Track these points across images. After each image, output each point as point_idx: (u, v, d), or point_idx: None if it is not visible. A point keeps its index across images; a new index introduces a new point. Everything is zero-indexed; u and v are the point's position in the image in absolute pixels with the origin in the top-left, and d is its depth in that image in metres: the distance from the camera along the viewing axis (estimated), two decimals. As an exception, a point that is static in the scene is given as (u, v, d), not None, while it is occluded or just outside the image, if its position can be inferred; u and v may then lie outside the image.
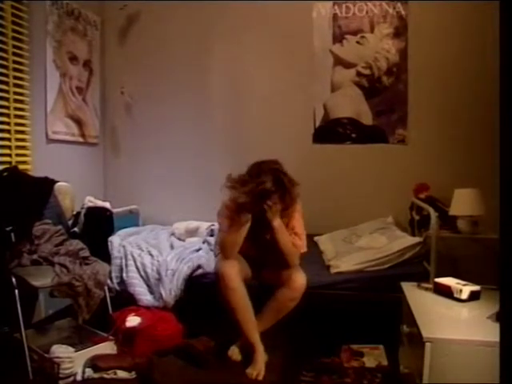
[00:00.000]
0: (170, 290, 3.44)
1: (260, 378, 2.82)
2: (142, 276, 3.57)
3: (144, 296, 3.49)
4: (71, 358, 2.76)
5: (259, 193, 2.83)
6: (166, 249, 3.81)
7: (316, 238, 4.03)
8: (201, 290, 3.38)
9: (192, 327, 3.23)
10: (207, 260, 3.54)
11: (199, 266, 3.52)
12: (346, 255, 3.57)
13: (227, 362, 2.99)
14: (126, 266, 3.60)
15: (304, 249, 3.13)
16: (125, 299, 3.45)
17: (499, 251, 1.80)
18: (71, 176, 3.88)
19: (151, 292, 3.52)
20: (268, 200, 2.86)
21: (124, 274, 3.58)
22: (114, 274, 3.56)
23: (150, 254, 3.68)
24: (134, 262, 3.62)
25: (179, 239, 4.15)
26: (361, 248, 3.70)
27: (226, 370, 2.91)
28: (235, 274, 2.93)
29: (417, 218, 3.92)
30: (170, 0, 4.61)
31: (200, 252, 3.75)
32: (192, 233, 4.19)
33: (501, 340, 1.75)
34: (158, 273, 3.53)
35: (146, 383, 2.78)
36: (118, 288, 3.56)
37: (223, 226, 3.11)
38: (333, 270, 3.46)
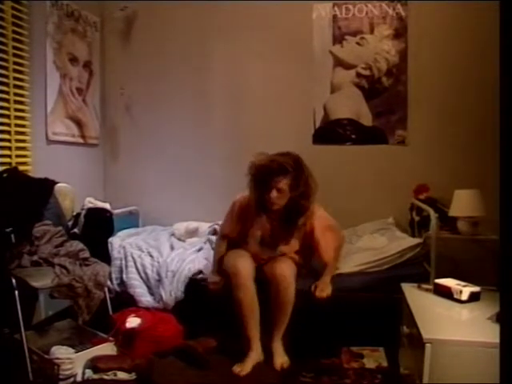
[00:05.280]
0: (170, 291, 3.45)
1: (242, 374, 2.87)
2: (142, 277, 3.58)
3: (144, 297, 3.50)
4: (71, 359, 2.76)
5: (272, 164, 2.98)
6: (166, 250, 3.80)
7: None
8: (201, 291, 3.38)
9: (192, 328, 3.24)
10: (208, 262, 3.56)
11: (200, 272, 3.53)
12: (347, 256, 3.57)
13: (228, 363, 2.98)
14: (126, 267, 3.61)
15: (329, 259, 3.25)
16: (125, 300, 3.46)
17: (499, 252, 1.80)
18: (71, 177, 3.88)
19: (151, 293, 3.53)
20: (279, 177, 2.96)
21: (124, 275, 3.58)
22: (114, 275, 3.57)
23: (150, 255, 3.68)
24: (134, 263, 3.62)
25: (179, 240, 4.14)
26: (361, 248, 3.70)
27: (226, 371, 2.90)
28: (249, 272, 3.05)
29: (417, 218, 3.92)
30: (170, 0, 4.62)
31: (201, 253, 3.75)
32: (192, 233, 4.19)
33: (501, 341, 1.75)
34: (158, 274, 3.53)
35: (145, 384, 2.78)
36: (117, 289, 3.57)
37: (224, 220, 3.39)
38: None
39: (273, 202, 3.02)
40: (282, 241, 3.20)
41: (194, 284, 3.47)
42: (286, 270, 3.04)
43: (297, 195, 3.01)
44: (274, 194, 2.98)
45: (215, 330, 3.23)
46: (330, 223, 3.25)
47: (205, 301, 3.33)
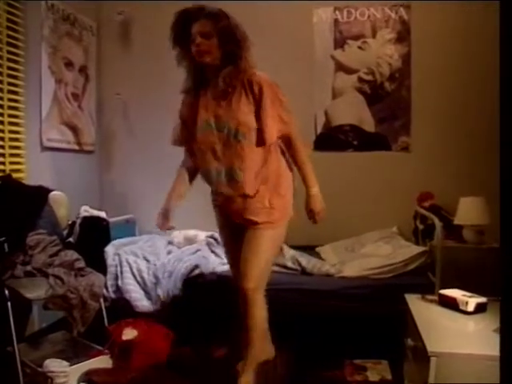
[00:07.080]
0: (168, 290, 3.45)
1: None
2: (138, 282, 3.58)
3: (140, 302, 3.50)
4: (65, 373, 2.73)
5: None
6: (163, 254, 3.84)
7: (318, 249, 4.00)
8: (198, 290, 3.41)
9: (190, 332, 3.26)
10: (205, 258, 3.60)
11: (196, 266, 3.52)
12: (351, 261, 3.57)
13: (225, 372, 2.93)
14: (122, 272, 3.60)
15: (273, 138, 2.75)
16: (121, 307, 3.45)
17: (500, 260, 1.74)
18: (66, 184, 3.89)
19: (148, 298, 3.52)
20: (201, 21, 2.61)
21: (119, 281, 3.57)
22: (109, 282, 3.55)
23: (146, 260, 3.70)
24: (130, 268, 3.62)
25: (178, 248, 4.11)
26: (366, 255, 3.70)
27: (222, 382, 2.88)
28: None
29: (421, 227, 3.88)
30: (169, 0, 4.58)
31: (199, 253, 3.76)
32: (190, 241, 4.16)
33: (501, 351, 1.70)
34: (155, 276, 3.54)
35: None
36: (113, 296, 3.55)
37: None
38: (336, 274, 3.45)
39: (200, 50, 2.61)
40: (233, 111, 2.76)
41: (191, 283, 3.46)
42: (251, 279, 2.59)
43: (229, 43, 2.69)
44: (198, 39, 2.59)
45: (212, 333, 3.26)
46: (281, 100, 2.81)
47: (202, 299, 3.35)
